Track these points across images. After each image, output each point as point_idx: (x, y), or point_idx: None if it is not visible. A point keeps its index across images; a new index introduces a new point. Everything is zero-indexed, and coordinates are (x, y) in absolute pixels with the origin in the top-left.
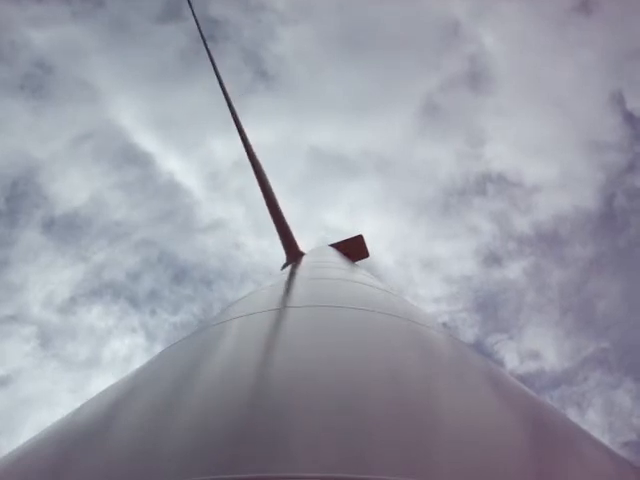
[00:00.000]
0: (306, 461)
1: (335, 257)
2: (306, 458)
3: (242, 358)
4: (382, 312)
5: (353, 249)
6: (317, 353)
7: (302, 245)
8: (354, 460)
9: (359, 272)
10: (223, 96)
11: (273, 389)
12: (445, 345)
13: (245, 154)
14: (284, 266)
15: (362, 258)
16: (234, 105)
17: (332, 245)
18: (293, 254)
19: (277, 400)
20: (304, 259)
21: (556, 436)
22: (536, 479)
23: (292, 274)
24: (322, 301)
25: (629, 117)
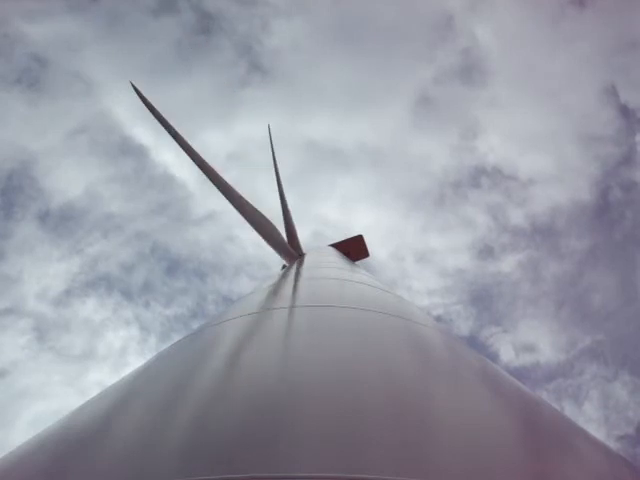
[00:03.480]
0: (306, 461)
1: (335, 257)
2: (306, 458)
3: (242, 358)
4: (382, 312)
5: (353, 249)
6: (317, 353)
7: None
8: (354, 460)
9: (359, 272)
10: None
11: (273, 389)
12: (444, 345)
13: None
14: (285, 265)
15: (362, 258)
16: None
17: (332, 245)
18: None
19: (277, 400)
20: (305, 259)
21: (551, 433)
22: (532, 476)
23: (293, 274)
24: (322, 301)
25: (623, 109)
